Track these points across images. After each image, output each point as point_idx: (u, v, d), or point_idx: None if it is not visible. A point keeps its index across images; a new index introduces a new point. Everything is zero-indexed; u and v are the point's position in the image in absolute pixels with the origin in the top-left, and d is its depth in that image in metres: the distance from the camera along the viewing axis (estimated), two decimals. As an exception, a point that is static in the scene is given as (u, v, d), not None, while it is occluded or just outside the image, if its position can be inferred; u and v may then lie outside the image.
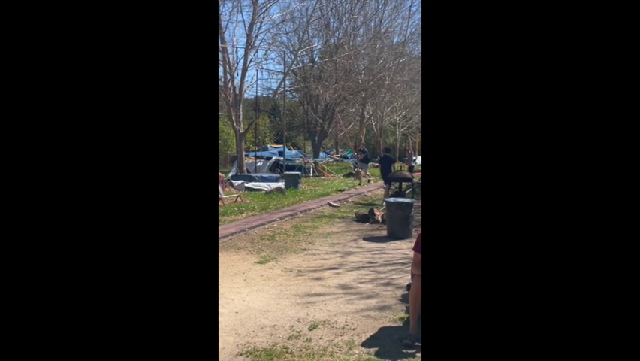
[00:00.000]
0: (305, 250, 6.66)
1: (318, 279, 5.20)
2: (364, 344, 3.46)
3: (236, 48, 17.08)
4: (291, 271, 5.53)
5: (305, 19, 21.17)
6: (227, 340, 3.53)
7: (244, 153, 17.25)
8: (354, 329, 3.74)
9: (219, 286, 4.92)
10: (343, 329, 3.76)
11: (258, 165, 18.22)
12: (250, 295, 4.62)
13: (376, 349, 3.36)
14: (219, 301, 4.39)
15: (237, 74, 16.33)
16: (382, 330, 3.74)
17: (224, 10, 16.11)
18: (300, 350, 3.33)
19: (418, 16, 24.42)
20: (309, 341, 3.50)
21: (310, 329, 3.73)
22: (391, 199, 8.18)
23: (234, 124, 16.19)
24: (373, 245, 7.03)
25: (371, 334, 3.65)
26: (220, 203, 10.32)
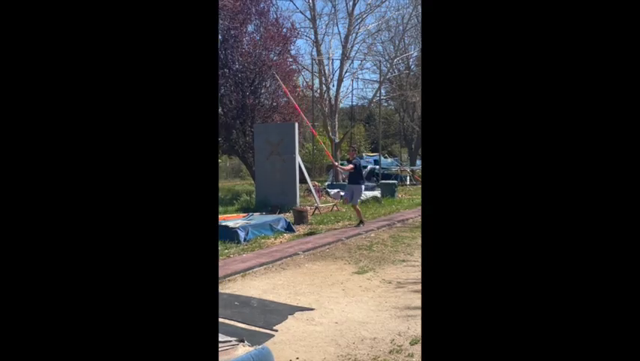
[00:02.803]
0: (403, 261, 6.52)
1: (418, 292, 5.05)
2: (470, 363, 3.29)
3: (332, 60, 17.40)
4: (389, 282, 5.44)
5: (401, 28, 21.02)
6: (328, 350, 3.53)
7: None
8: (458, 347, 3.57)
9: (318, 295, 4.98)
10: (446, 345, 3.60)
11: (354, 174, 18.26)
12: (349, 305, 4.61)
13: (483, 369, 3.19)
14: (319, 311, 4.44)
15: (333, 85, 16.63)
16: (489, 349, 3.53)
17: (321, 24, 16.51)
18: (402, 366, 3.24)
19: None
20: (411, 356, 3.40)
21: (412, 344, 3.62)
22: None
23: (329, 133, 16.45)
24: (475, 258, 6.73)
25: (477, 353, 3.46)
26: (317, 212, 10.48)
